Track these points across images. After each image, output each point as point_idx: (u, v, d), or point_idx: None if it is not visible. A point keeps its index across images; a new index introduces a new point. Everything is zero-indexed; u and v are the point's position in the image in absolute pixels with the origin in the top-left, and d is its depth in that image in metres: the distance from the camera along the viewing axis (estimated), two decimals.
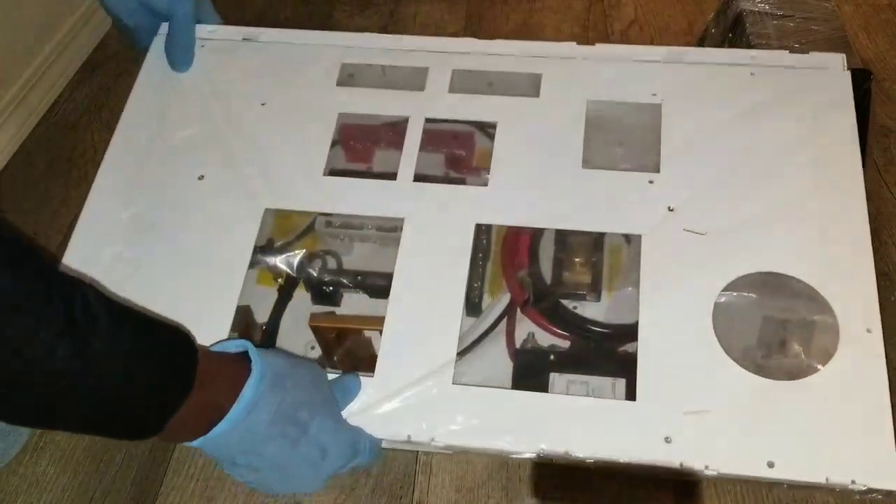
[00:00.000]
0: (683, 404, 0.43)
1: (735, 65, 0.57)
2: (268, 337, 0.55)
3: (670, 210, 0.50)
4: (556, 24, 0.99)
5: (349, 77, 0.60)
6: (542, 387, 0.50)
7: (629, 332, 0.49)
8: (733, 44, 0.82)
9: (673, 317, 0.46)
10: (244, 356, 0.42)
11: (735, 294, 0.47)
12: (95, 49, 1.01)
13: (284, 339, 0.56)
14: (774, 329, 0.45)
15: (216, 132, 0.56)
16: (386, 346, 0.47)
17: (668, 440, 0.42)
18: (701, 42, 0.90)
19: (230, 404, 0.39)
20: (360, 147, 0.61)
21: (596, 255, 0.56)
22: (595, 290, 0.55)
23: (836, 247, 0.48)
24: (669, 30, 0.97)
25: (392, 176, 0.54)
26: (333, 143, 0.56)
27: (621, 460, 0.42)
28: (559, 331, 0.53)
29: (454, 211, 0.51)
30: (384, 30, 1.01)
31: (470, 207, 0.51)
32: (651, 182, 0.52)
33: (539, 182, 0.52)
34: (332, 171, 0.55)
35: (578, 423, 0.43)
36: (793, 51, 0.59)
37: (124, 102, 0.59)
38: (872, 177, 0.79)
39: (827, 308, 0.46)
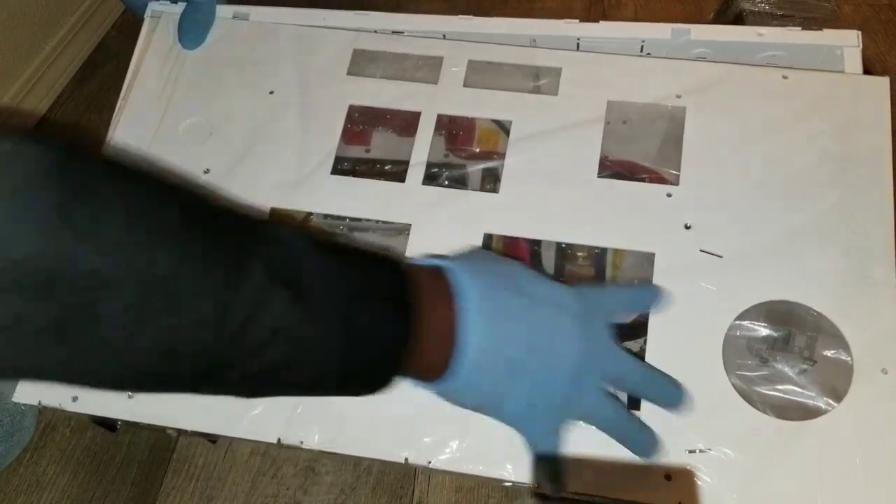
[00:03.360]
0: (686, 441, 0.41)
1: (766, 66, 0.53)
2: None
3: (687, 228, 0.47)
4: None
5: (360, 64, 0.57)
6: None
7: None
8: None
9: (682, 346, 0.43)
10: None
11: (748, 323, 0.44)
12: (95, 49, 1.01)
13: None
14: (786, 363, 0.43)
15: (222, 121, 0.55)
16: None
17: (668, 478, 0.40)
18: None
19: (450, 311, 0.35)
20: (367, 132, 0.57)
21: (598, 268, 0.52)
22: None
23: (858, 280, 0.44)
24: None
25: (400, 174, 0.52)
26: (341, 136, 0.54)
27: (619, 497, 0.40)
28: None
29: (463, 219, 0.49)
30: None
31: (479, 216, 0.49)
32: (669, 195, 0.48)
33: (552, 191, 0.49)
34: (340, 170, 0.55)
35: (577, 454, 0.41)
36: (806, 28, 0.59)
37: None
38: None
39: (843, 344, 0.43)
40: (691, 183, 0.49)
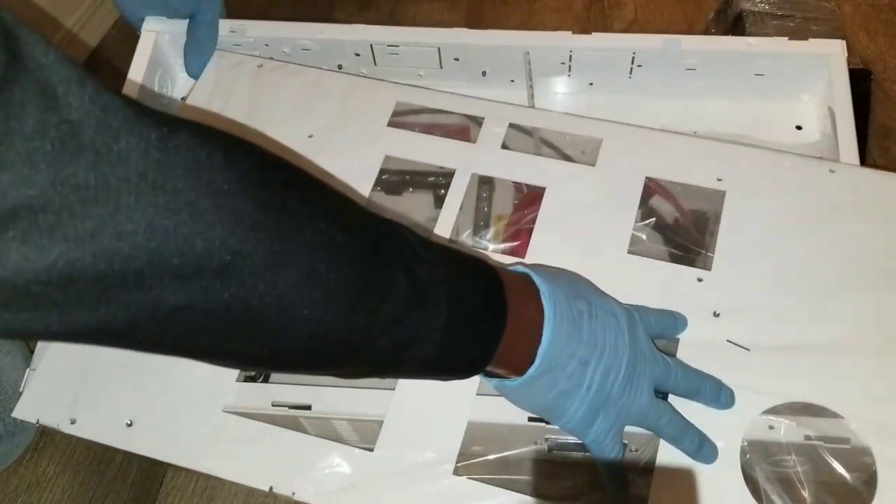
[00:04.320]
0: None
1: (813, 157, 0.52)
2: None
3: (716, 315, 0.46)
4: (557, 24, 0.99)
5: (401, 117, 0.58)
6: None
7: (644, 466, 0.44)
8: None
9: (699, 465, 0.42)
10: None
11: (770, 425, 0.42)
12: (95, 49, 1.01)
13: None
14: (805, 475, 0.41)
15: None
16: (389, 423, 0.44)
17: None
18: None
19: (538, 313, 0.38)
20: (401, 184, 0.59)
21: None
22: None
23: (892, 390, 0.42)
24: (670, 30, 0.97)
25: (429, 229, 0.52)
26: (374, 186, 0.54)
27: None
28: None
29: None
30: None
31: None
32: (700, 280, 0.47)
33: (580, 262, 0.48)
34: None
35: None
36: (793, 38, 0.59)
37: None
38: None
39: (869, 458, 0.41)
40: (724, 269, 0.47)
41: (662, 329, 0.45)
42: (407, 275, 0.33)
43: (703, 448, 0.41)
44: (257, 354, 0.32)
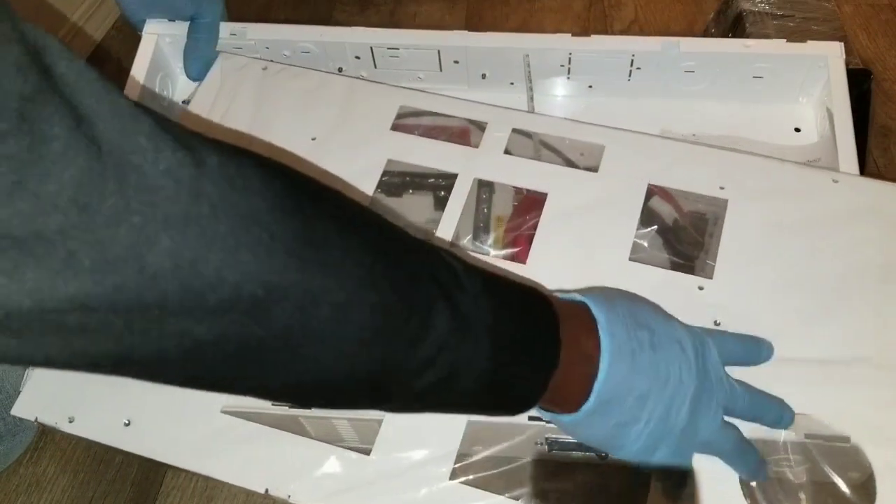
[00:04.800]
0: None
1: (816, 167, 0.52)
2: None
3: (717, 324, 0.45)
4: (557, 24, 0.99)
5: (404, 120, 0.58)
6: None
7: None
8: None
9: (696, 456, 0.41)
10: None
11: (767, 438, 0.42)
12: (96, 49, 1.01)
13: None
14: (805, 485, 0.41)
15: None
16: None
17: None
18: None
19: (594, 350, 0.36)
20: (403, 187, 0.58)
21: None
22: None
23: (891, 402, 0.42)
24: (670, 30, 0.97)
25: (430, 233, 0.52)
26: (376, 188, 0.54)
27: None
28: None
29: None
30: None
31: None
32: (701, 288, 0.47)
33: (580, 268, 0.48)
34: None
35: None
36: (791, 41, 0.59)
37: None
38: (872, 177, 0.79)
39: (866, 470, 0.40)
40: (726, 278, 0.47)
41: (743, 356, 0.43)
42: (449, 307, 0.31)
43: (761, 469, 0.41)
44: (287, 390, 0.31)
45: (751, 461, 0.41)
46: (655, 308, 0.42)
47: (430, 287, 0.31)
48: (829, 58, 0.58)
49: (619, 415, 0.37)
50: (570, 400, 0.36)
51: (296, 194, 0.28)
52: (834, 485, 0.42)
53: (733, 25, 0.84)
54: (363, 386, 0.31)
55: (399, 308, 0.30)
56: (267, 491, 0.43)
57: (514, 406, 0.36)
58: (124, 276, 0.23)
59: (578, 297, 0.39)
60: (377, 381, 0.31)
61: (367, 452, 0.44)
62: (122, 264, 0.23)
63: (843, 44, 0.59)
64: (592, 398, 0.36)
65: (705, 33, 0.90)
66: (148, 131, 0.24)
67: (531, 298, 0.36)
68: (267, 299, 0.26)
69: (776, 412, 0.42)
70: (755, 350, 0.44)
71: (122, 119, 0.23)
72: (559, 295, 0.40)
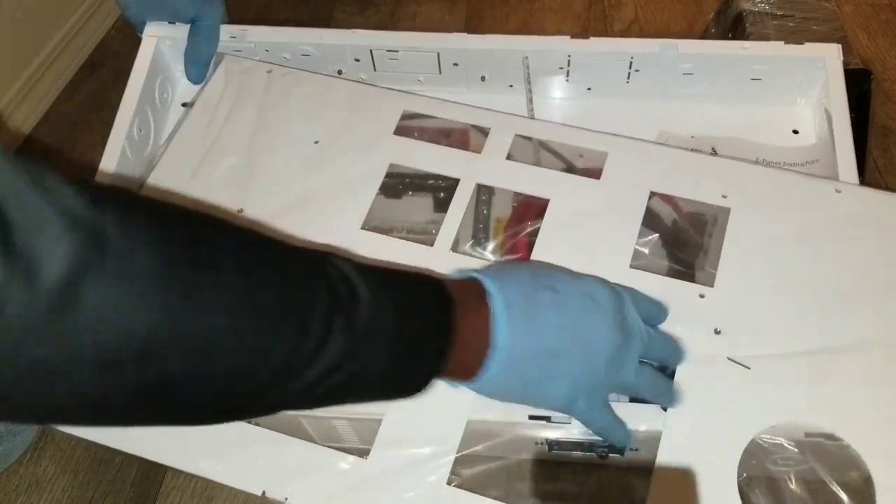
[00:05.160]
0: None
1: (819, 177, 0.53)
2: None
3: (717, 333, 0.45)
4: (557, 24, 0.99)
5: (407, 125, 0.58)
6: None
7: (642, 467, 0.44)
8: None
9: (696, 455, 0.42)
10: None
11: (767, 445, 0.42)
12: (95, 49, 1.01)
13: None
14: (803, 494, 0.41)
15: (264, 165, 0.55)
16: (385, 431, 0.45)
17: None
18: None
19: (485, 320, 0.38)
20: (404, 191, 0.58)
21: None
22: None
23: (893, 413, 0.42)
24: (670, 30, 0.97)
25: (430, 238, 0.52)
26: (378, 193, 0.54)
27: None
28: None
29: None
30: (384, 30, 1.00)
31: None
32: (702, 296, 0.47)
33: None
34: (371, 227, 0.53)
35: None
36: (789, 42, 0.59)
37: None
38: (872, 177, 0.79)
39: (868, 483, 0.40)
40: (727, 286, 0.47)
41: (648, 314, 0.45)
42: (344, 318, 0.33)
43: (673, 395, 0.44)
44: (181, 417, 0.33)
45: (665, 389, 0.43)
46: (562, 269, 0.44)
47: (321, 302, 0.32)
48: (826, 59, 0.58)
49: (529, 374, 0.39)
50: (473, 371, 0.39)
51: (176, 243, 0.29)
52: (833, 485, 0.42)
53: (733, 25, 0.83)
54: (257, 399, 0.32)
55: (291, 328, 0.31)
56: (264, 493, 0.43)
57: (411, 392, 0.38)
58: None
59: (474, 272, 0.41)
60: (274, 393, 0.32)
61: (366, 453, 0.44)
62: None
63: (840, 45, 0.59)
64: (492, 366, 0.38)
65: (705, 33, 0.90)
66: (50, 204, 0.25)
67: (424, 289, 0.38)
68: (149, 349, 0.27)
69: (678, 353, 0.45)
70: (657, 311, 0.46)
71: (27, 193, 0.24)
72: (455, 274, 0.41)
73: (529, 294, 0.40)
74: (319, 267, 0.34)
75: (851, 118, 0.57)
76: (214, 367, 0.29)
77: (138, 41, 0.64)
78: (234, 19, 0.65)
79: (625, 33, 0.98)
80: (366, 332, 0.33)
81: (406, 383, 0.37)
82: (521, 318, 0.39)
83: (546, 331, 0.39)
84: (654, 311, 0.46)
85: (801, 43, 0.60)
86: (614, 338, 0.40)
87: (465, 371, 0.39)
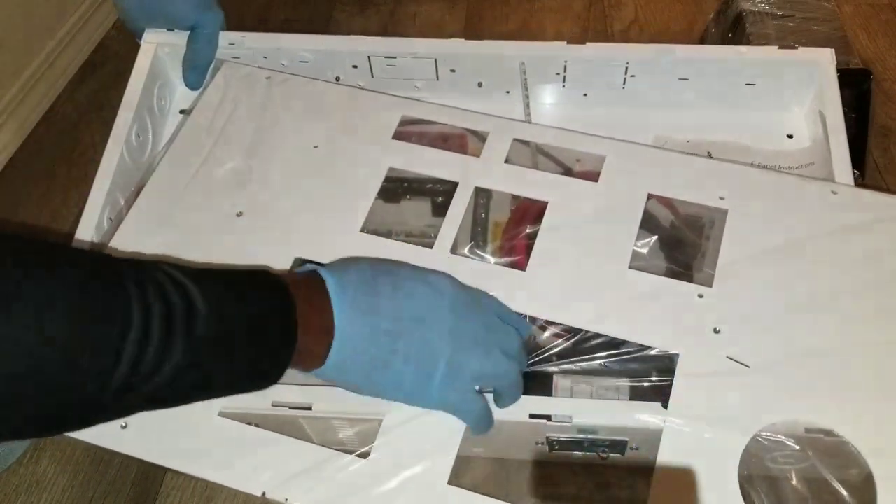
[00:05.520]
0: None
1: (815, 179, 0.53)
2: None
3: (716, 332, 0.46)
4: (557, 24, 0.99)
5: (406, 129, 0.58)
6: None
7: (642, 467, 0.44)
8: (733, 44, 0.82)
9: (696, 453, 0.42)
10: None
11: (768, 442, 0.43)
12: (95, 49, 1.02)
13: None
14: (804, 492, 0.42)
15: (263, 168, 0.56)
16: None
17: None
18: (701, 42, 0.90)
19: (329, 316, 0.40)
20: (403, 195, 0.59)
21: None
22: None
23: (891, 412, 0.42)
24: (669, 30, 0.97)
25: (428, 241, 0.52)
26: (377, 196, 0.54)
27: None
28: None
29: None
30: (384, 30, 1.01)
31: (505, 292, 0.48)
32: (701, 296, 0.47)
33: (580, 276, 0.48)
34: (370, 230, 0.53)
35: None
36: (783, 47, 0.59)
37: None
38: (872, 177, 0.79)
39: (868, 480, 0.40)
40: (725, 286, 0.47)
41: (511, 323, 0.47)
42: (184, 332, 0.34)
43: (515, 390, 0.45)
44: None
45: (516, 385, 0.45)
46: (407, 264, 0.46)
47: (154, 319, 0.33)
48: (820, 63, 0.58)
49: (373, 354, 0.41)
50: (320, 359, 0.40)
51: None
52: (834, 498, 0.42)
53: (733, 25, 0.83)
54: (81, 410, 0.33)
55: (109, 344, 0.31)
56: (264, 494, 0.43)
57: (259, 387, 0.40)
58: None
59: (317, 267, 0.43)
60: (88, 407, 0.33)
61: (366, 455, 0.44)
62: None
63: (833, 50, 0.59)
64: (331, 352, 0.40)
65: (705, 33, 0.90)
66: None
67: (265, 292, 0.39)
68: None
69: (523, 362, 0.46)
70: (520, 325, 0.47)
71: None
72: (300, 270, 0.44)
73: (368, 280, 0.42)
74: (147, 281, 0.34)
75: (851, 118, 0.57)
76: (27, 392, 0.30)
77: (138, 43, 0.64)
78: (233, 19, 0.65)
79: (625, 33, 0.98)
80: (213, 342, 0.35)
81: (254, 382, 0.39)
82: (361, 301, 0.41)
83: (384, 311, 0.41)
84: (518, 324, 0.47)
85: (801, 43, 0.60)
86: (450, 318, 0.42)
87: (314, 358, 0.40)
